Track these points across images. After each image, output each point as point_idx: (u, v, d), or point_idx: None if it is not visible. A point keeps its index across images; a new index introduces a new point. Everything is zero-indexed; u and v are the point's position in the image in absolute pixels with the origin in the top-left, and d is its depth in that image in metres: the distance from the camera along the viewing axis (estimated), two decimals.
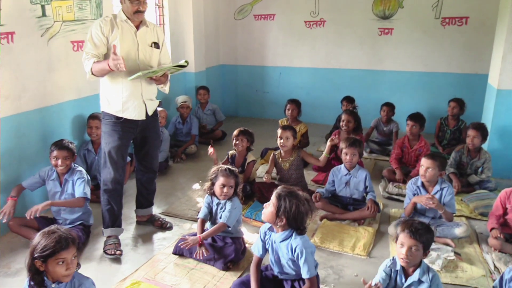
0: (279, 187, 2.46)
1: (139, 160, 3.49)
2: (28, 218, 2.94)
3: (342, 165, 3.84)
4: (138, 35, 3.12)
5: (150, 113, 3.29)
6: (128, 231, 3.53)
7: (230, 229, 3.09)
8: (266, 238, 2.56)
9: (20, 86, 3.53)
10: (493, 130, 4.48)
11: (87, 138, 4.25)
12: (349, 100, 5.71)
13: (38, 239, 2.00)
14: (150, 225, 3.62)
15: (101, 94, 3.20)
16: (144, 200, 3.62)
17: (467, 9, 5.65)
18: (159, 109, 4.91)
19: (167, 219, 3.70)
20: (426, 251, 2.24)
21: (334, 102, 5.98)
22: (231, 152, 4.31)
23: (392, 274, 2.34)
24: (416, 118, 4.50)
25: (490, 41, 4.84)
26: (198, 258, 2.98)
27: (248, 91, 7.29)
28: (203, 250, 2.94)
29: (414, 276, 2.26)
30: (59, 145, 3.27)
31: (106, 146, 3.18)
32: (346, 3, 6.28)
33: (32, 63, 3.63)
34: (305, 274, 2.35)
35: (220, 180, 3.04)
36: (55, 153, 3.24)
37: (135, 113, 3.17)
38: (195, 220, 3.55)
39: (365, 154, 5.39)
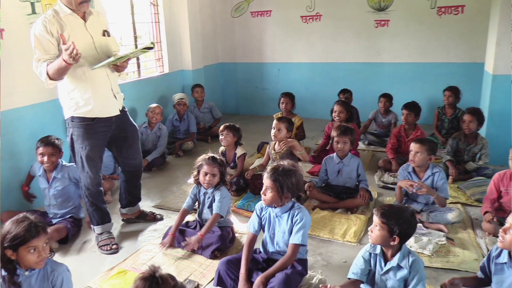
0: (265, 172, 2.46)
1: (124, 159, 3.26)
2: None
3: (335, 154, 3.81)
4: (88, 27, 2.84)
5: (121, 106, 3.09)
6: (118, 223, 3.53)
7: (220, 219, 3.08)
8: (262, 214, 2.59)
9: (10, 82, 3.58)
10: (490, 117, 4.41)
11: None
12: (345, 92, 5.67)
13: (8, 227, 1.96)
14: (140, 221, 3.55)
15: (64, 98, 2.91)
16: (133, 198, 3.49)
17: None
18: (154, 105, 4.96)
19: (159, 212, 3.70)
20: (392, 235, 2.10)
21: (332, 96, 5.93)
22: (221, 148, 4.32)
23: (372, 259, 2.28)
24: (411, 107, 4.45)
25: (487, 29, 4.77)
26: (181, 246, 2.99)
27: (247, 89, 7.29)
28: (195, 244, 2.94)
29: (393, 261, 2.16)
30: (45, 141, 3.24)
31: (83, 151, 2.93)
32: None
33: (22, 60, 3.68)
34: (295, 240, 2.36)
35: (204, 168, 3.04)
36: (40, 149, 3.23)
37: (109, 110, 2.96)
38: None
39: (363, 146, 5.35)
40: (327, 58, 6.60)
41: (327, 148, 4.82)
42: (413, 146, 3.32)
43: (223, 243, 2.97)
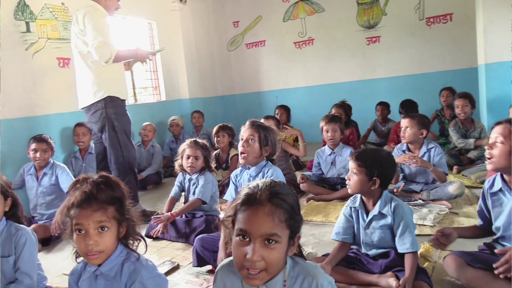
0: (250, 121, 2.42)
1: None
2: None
3: (326, 146, 3.70)
4: None
5: None
6: None
7: (204, 206, 2.94)
8: (237, 180, 2.50)
9: (3, 94, 3.66)
10: (489, 107, 4.29)
11: (75, 149, 4.28)
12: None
13: None
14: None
15: (101, 81, 3.25)
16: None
17: (450, 6, 5.67)
18: (146, 123, 4.99)
19: None
20: (371, 178, 1.96)
21: None
22: (215, 152, 4.24)
23: (353, 214, 2.10)
24: (404, 105, 4.42)
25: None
26: (166, 237, 2.83)
27: (247, 118, 7.28)
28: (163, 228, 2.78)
29: (375, 210, 1.98)
30: (38, 138, 3.30)
31: (126, 126, 3.39)
32: (331, 19, 6.43)
33: (16, 74, 3.79)
34: None
35: (186, 152, 2.96)
36: (34, 145, 3.25)
37: (128, 95, 3.57)
38: None
39: None
40: (324, 80, 6.65)
41: None
42: (403, 122, 3.22)
43: (207, 227, 2.79)
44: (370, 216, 2.01)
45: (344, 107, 4.69)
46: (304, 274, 1.16)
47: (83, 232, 1.36)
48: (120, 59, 3.22)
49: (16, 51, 3.84)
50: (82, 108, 3.40)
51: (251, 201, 1.11)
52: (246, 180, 2.41)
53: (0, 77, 3.61)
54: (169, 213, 2.83)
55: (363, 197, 2.06)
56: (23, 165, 3.42)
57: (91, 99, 3.27)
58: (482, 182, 3.45)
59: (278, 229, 1.08)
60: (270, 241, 1.07)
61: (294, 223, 1.13)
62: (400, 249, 1.88)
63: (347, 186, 2.08)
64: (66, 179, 3.24)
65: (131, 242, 1.50)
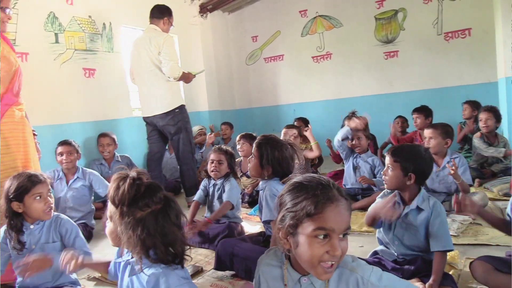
0: (258, 137, 2.41)
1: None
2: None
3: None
4: None
5: None
6: None
7: (228, 212, 2.97)
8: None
9: (30, 101, 3.77)
10: (510, 121, 4.26)
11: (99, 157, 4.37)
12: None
13: (9, 183, 1.98)
14: None
15: (175, 93, 4.08)
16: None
17: (468, 21, 5.69)
18: None
19: None
20: (407, 173, 1.97)
21: None
22: (238, 159, 4.29)
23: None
24: (419, 109, 4.43)
25: (495, 47, 4.80)
26: (189, 242, 2.85)
27: (264, 132, 7.25)
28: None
29: (413, 205, 1.99)
30: (63, 142, 3.43)
31: (191, 129, 4.24)
32: (349, 34, 6.51)
33: (43, 82, 3.92)
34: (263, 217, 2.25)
35: (211, 156, 3.02)
36: (59, 149, 3.38)
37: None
38: None
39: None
40: (341, 94, 6.69)
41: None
42: (426, 132, 3.21)
43: (230, 233, 2.82)
44: (407, 210, 2.00)
45: (356, 117, 4.68)
46: (343, 267, 1.18)
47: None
48: (181, 78, 4.01)
49: (45, 61, 3.98)
50: (155, 115, 4.04)
51: (329, 197, 1.10)
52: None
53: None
54: (205, 218, 2.88)
55: (400, 193, 2.07)
56: (49, 171, 3.49)
57: (168, 107, 4.00)
58: (505, 195, 3.43)
59: (350, 220, 1.12)
60: (345, 234, 1.11)
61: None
62: (435, 247, 1.87)
63: (384, 182, 2.09)
64: (100, 184, 3.38)
65: None
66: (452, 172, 2.92)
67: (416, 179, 1.99)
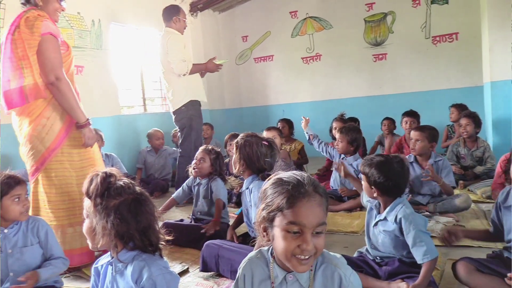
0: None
1: None
2: None
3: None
4: None
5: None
6: None
7: (213, 212, 2.97)
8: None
9: None
10: (494, 125, 4.34)
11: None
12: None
13: None
14: None
15: (179, 92, 4.15)
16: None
17: (455, 25, 5.77)
18: (156, 128, 5.07)
19: None
20: (370, 185, 2.02)
21: None
22: (226, 160, 4.30)
23: (369, 210, 2.17)
24: (411, 113, 4.46)
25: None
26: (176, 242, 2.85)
27: (254, 131, 7.34)
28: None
29: (382, 214, 2.04)
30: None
31: (199, 126, 4.37)
32: (339, 36, 6.55)
33: None
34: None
35: (196, 155, 3.02)
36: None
37: (204, 96, 4.39)
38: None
39: None
40: (330, 95, 6.74)
41: (331, 169, 4.72)
42: (413, 134, 3.25)
43: (216, 233, 2.80)
44: (377, 219, 2.06)
45: (345, 121, 4.72)
46: (327, 262, 1.20)
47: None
48: (194, 71, 4.15)
49: None
50: (174, 112, 4.29)
51: (301, 193, 1.12)
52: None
53: None
54: (213, 220, 2.86)
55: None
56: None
57: (175, 105, 4.22)
58: (488, 197, 3.49)
59: (325, 217, 1.13)
60: (319, 232, 1.11)
61: (327, 209, 1.18)
62: (418, 259, 1.89)
63: None
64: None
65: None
66: (428, 178, 2.98)
67: (380, 192, 2.01)
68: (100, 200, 1.30)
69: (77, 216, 2.37)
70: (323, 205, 1.13)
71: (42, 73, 2.36)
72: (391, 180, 1.99)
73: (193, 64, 4.18)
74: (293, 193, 1.11)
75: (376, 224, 2.06)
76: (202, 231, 2.81)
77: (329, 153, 3.87)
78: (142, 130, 5.34)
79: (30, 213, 2.19)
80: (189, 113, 4.20)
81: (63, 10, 2.63)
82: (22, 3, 2.50)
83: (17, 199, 1.92)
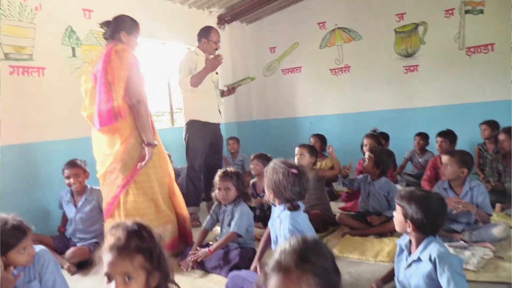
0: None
1: (211, 155, 4.32)
2: None
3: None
4: None
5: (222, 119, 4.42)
6: None
7: (239, 239, 2.93)
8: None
9: (47, 115, 3.82)
10: None
11: None
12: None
13: None
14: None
15: (184, 111, 4.22)
16: (207, 196, 4.29)
17: (491, 36, 5.52)
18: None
19: None
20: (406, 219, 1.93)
21: None
22: (252, 180, 4.26)
23: (399, 250, 2.07)
24: (445, 133, 4.27)
25: None
26: (200, 267, 2.84)
27: (281, 143, 7.25)
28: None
29: (415, 254, 1.93)
30: (68, 163, 3.35)
31: (197, 144, 4.17)
32: (368, 47, 6.40)
33: (61, 96, 3.95)
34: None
35: (217, 184, 2.98)
36: (66, 172, 3.31)
37: (215, 118, 4.24)
38: None
39: (399, 187, 5.06)
40: (359, 107, 6.59)
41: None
42: (443, 158, 3.12)
43: (241, 259, 2.78)
44: (410, 260, 1.95)
45: (376, 137, 4.59)
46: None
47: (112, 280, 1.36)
48: (196, 83, 3.94)
49: (62, 75, 4.01)
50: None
51: (278, 268, 1.06)
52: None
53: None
54: (207, 249, 2.83)
55: (410, 238, 2.00)
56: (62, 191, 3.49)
57: (183, 122, 4.25)
58: None
59: None
60: None
61: (330, 285, 1.07)
62: None
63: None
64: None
65: None
66: (455, 212, 2.84)
67: (415, 227, 1.91)
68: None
69: (161, 218, 3.01)
70: (301, 282, 1.05)
71: (127, 96, 2.82)
72: (429, 217, 1.90)
73: (192, 76, 3.96)
74: (273, 267, 1.09)
75: (409, 265, 1.95)
76: (190, 258, 2.84)
77: (358, 183, 3.75)
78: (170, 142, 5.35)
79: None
80: (188, 133, 4.18)
81: (137, 46, 3.10)
82: (105, 38, 3.05)
83: (23, 251, 1.89)
